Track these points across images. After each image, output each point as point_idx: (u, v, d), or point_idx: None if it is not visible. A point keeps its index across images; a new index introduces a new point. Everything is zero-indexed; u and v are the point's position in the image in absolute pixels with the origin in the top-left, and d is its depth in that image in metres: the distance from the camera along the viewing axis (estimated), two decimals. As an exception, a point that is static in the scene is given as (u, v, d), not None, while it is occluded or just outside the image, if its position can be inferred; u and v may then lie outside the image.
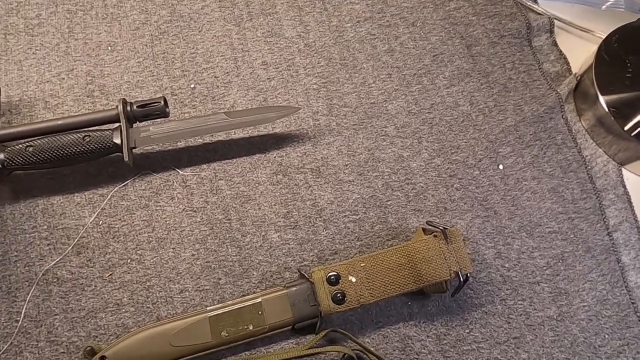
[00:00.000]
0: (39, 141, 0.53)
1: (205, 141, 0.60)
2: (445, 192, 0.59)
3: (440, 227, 0.51)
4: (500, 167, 0.60)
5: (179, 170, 0.58)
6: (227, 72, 0.64)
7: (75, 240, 0.54)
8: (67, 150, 0.53)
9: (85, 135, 0.54)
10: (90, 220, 0.55)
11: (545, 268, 0.56)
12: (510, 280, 0.55)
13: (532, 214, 0.58)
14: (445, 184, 0.59)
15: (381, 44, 0.67)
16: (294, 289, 0.51)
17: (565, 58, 0.67)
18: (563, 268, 0.56)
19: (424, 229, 0.54)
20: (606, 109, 0.60)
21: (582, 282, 0.55)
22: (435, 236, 0.51)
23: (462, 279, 0.50)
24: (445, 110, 0.63)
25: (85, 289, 0.53)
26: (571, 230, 0.57)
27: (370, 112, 0.63)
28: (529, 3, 0.70)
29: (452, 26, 0.68)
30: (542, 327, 0.53)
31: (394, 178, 0.59)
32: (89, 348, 0.49)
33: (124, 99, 0.55)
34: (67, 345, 0.50)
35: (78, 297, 0.52)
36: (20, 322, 0.51)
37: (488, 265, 0.55)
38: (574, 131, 0.63)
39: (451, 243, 0.51)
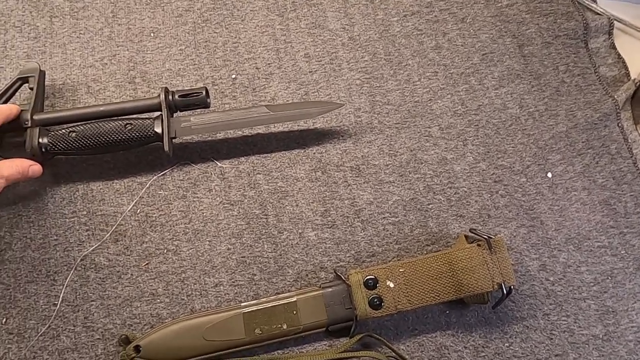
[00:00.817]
0: (81, 127, 0.54)
1: (245, 133, 0.59)
2: (490, 199, 0.56)
3: (485, 236, 0.49)
4: (549, 175, 0.57)
5: (217, 162, 0.58)
6: (269, 64, 0.63)
7: (114, 227, 0.55)
8: (109, 138, 0.53)
9: (127, 124, 0.54)
10: (129, 208, 0.55)
11: (592, 284, 0.53)
12: (555, 294, 0.53)
13: (581, 227, 0.55)
14: (489, 190, 0.57)
15: (428, 40, 0.64)
16: (330, 290, 0.50)
17: (623, 62, 0.64)
18: (612, 285, 0.53)
19: (466, 237, 0.52)
20: (667, 119, 0.56)
21: (631, 302, 0.53)
22: (478, 245, 0.49)
23: (504, 292, 0.48)
24: (493, 113, 0.61)
25: (122, 276, 0.53)
26: (622, 246, 0.55)
27: (414, 111, 0.61)
28: (587, 2, 0.66)
29: (503, 24, 0.65)
30: (587, 346, 0.51)
31: (436, 181, 0.57)
32: (123, 336, 0.49)
33: (166, 87, 0.54)
34: (102, 332, 0.51)
35: (114, 285, 0.52)
36: (58, 306, 0.51)
37: (531, 278, 0.53)
38: (629, 140, 0.59)
39: (495, 253, 0.49)
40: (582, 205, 0.56)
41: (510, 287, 0.48)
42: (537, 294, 0.53)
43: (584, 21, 0.65)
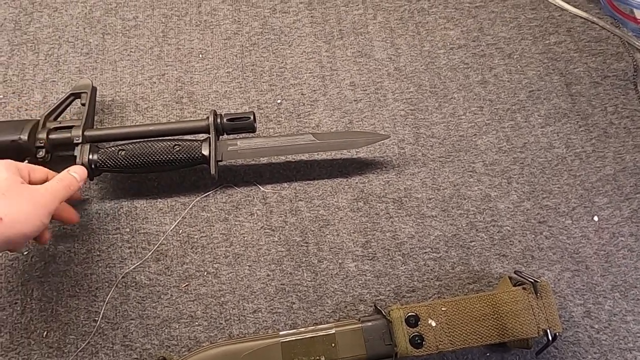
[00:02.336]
0: (130, 146, 0.54)
1: (288, 159, 0.59)
2: (533, 239, 0.56)
3: (530, 279, 0.48)
4: (595, 218, 0.56)
5: (260, 187, 0.58)
6: (314, 90, 0.63)
7: (155, 246, 0.55)
8: (157, 158, 0.54)
9: (176, 145, 0.54)
10: (171, 228, 0.56)
11: (639, 335, 0.52)
12: (600, 343, 0.51)
13: (628, 274, 0.54)
14: (533, 231, 0.56)
15: (474, 74, 0.64)
16: (370, 324, 0.50)
17: (674, 106, 0.63)
18: (659, 337, 0.52)
19: (510, 278, 0.51)
20: None
21: (679, 356, 0.51)
22: (524, 289, 0.48)
23: (550, 338, 0.47)
24: (539, 151, 0.60)
25: (162, 297, 0.53)
26: (670, 297, 0.53)
27: (459, 145, 0.60)
28: (637, 43, 0.65)
29: (551, 61, 0.65)
30: (632, 399, 0.50)
31: (479, 218, 0.57)
32: (161, 358, 0.49)
33: (214, 110, 0.55)
34: (140, 352, 0.51)
35: (154, 304, 0.53)
36: (98, 323, 0.52)
37: (575, 324, 0.52)
38: (679, 187, 0.58)
39: (541, 298, 0.48)
40: (629, 252, 0.55)
41: (555, 334, 0.47)
42: (581, 341, 0.51)
43: (634, 62, 0.64)
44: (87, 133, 0.55)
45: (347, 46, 0.66)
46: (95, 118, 0.61)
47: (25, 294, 0.53)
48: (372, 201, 0.57)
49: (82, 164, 0.53)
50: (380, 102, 0.63)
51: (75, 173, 0.49)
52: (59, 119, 0.58)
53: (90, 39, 0.66)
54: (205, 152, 0.54)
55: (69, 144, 0.55)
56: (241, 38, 0.66)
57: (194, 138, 0.57)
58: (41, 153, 0.54)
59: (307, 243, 0.55)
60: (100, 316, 0.52)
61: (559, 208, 0.57)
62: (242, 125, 0.55)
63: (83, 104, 0.58)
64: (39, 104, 0.62)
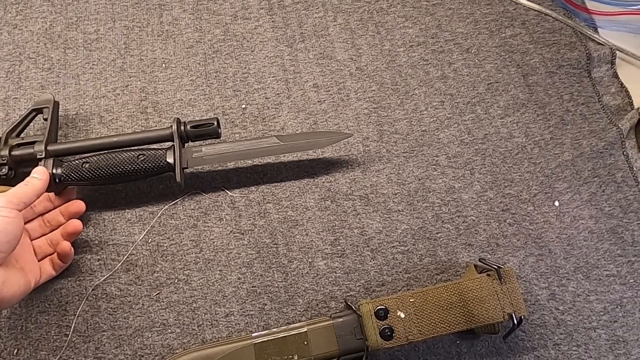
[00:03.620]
0: (94, 158, 0.54)
1: (255, 163, 0.60)
2: (498, 227, 0.57)
3: (494, 266, 0.50)
4: (556, 203, 0.58)
5: (228, 191, 0.58)
6: (278, 94, 0.64)
7: (125, 257, 0.55)
8: (122, 168, 0.54)
9: (140, 154, 0.54)
10: (140, 238, 0.56)
11: (602, 313, 0.53)
12: (565, 324, 0.53)
13: (589, 255, 0.56)
14: (497, 219, 0.57)
15: (434, 70, 0.66)
16: (341, 320, 0.50)
17: (627, 91, 0.65)
18: (621, 314, 0.53)
19: (475, 266, 0.52)
20: (671, 148, 0.57)
21: (641, 331, 0.53)
22: (488, 275, 0.50)
23: (515, 322, 0.48)
24: (499, 142, 0.61)
25: (133, 306, 0.53)
26: (631, 275, 0.55)
27: (422, 140, 0.62)
28: (589, 32, 0.68)
29: (508, 54, 0.67)
30: (598, 376, 0.51)
31: (444, 210, 0.58)
32: (135, 368, 0.49)
33: (177, 118, 0.56)
34: (113, 363, 0.51)
35: (126, 315, 0.53)
36: (69, 337, 0.51)
37: (541, 307, 0.53)
38: (635, 169, 0.60)
39: (505, 283, 0.49)
40: (589, 234, 0.57)
41: (520, 318, 0.48)
42: (547, 323, 0.53)
43: (587, 51, 0.66)
44: (50, 148, 0.55)
45: (309, 49, 0.67)
46: (60, 132, 0.61)
47: (-6, 313, 0.52)
48: (339, 199, 0.58)
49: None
50: (343, 101, 0.64)
51: (36, 174, 0.50)
52: (21, 135, 0.58)
53: (51, 54, 0.66)
54: (170, 160, 0.54)
55: (32, 160, 0.54)
56: (203, 46, 0.67)
57: (160, 147, 0.57)
58: (4, 170, 0.54)
59: (276, 244, 0.56)
60: (72, 330, 0.52)
61: (520, 195, 0.59)
62: (206, 131, 0.56)
63: (45, 119, 0.57)
64: (1, 122, 0.62)
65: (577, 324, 0.53)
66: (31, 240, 0.52)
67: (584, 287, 0.54)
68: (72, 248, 0.51)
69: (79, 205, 0.54)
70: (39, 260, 0.51)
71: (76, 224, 0.52)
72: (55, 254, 0.51)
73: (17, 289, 0.44)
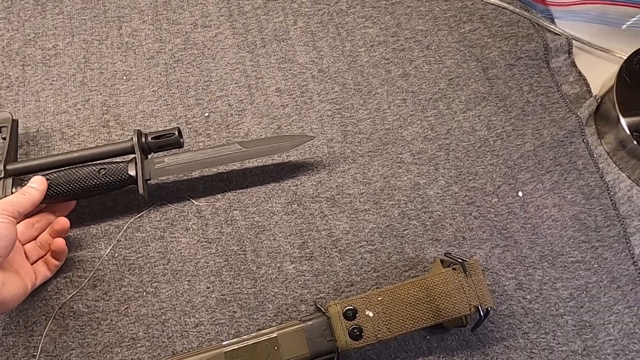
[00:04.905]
0: (55, 175, 0.54)
1: (220, 170, 0.60)
2: (464, 221, 0.57)
3: (459, 259, 0.50)
4: (520, 194, 0.59)
5: (193, 201, 0.58)
6: (241, 100, 0.64)
7: (91, 273, 0.54)
8: (83, 184, 0.53)
9: (101, 168, 0.54)
10: (106, 253, 0.55)
11: (568, 300, 0.54)
12: (533, 312, 0.53)
13: (554, 243, 0.56)
14: (463, 212, 0.58)
15: (395, 68, 0.66)
16: (310, 323, 0.50)
17: (584, 79, 0.66)
18: (587, 300, 0.54)
19: (442, 261, 0.53)
20: (628, 132, 0.58)
21: (607, 315, 0.53)
22: (453, 269, 0.50)
23: (482, 314, 0.48)
24: (462, 136, 0.62)
25: (102, 322, 0.52)
26: (595, 260, 0.56)
27: (386, 138, 0.62)
28: (546, 23, 0.69)
29: (467, 49, 0.67)
30: (567, 362, 0.52)
31: (410, 206, 0.58)
32: (105, 384, 0.49)
33: (138, 130, 0.55)
34: (83, 381, 0.50)
35: (94, 332, 0.52)
36: (37, 358, 0.51)
37: (509, 297, 0.54)
38: (595, 155, 0.61)
39: (470, 276, 0.49)
40: (553, 222, 0.57)
41: (487, 309, 0.48)
42: (516, 313, 0.53)
43: (544, 42, 0.67)
44: (9, 167, 0.54)
45: (270, 54, 0.67)
46: (21, 151, 0.60)
47: (-41, 338, 0.52)
48: (305, 202, 0.58)
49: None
50: (306, 104, 0.64)
51: (34, 184, 0.51)
52: (-21, 156, 0.57)
53: (9, 72, 0.65)
54: (132, 172, 0.54)
55: (-9, 180, 0.54)
56: (164, 56, 0.67)
57: (123, 159, 0.57)
58: (-38, 192, 0.53)
59: (244, 251, 0.56)
60: (39, 351, 0.51)
61: (485, 188, 0.59)
62: (168, 142, 0.55)
63: (4, 138, 0.57)
64: (-40, 143, 0.61)
65: (544, 312, 0.53)
66: (22, 244, 0.52)
67: (550, 275, 0.55)
68: (65, 245, 0.52)
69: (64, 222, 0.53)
70: (31, 264, 0.52)
71: (63, 221, 0.52)
72: (49, 254, 0.52)
73: (17, 291, 0.45)
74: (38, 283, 0.51)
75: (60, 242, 0.52)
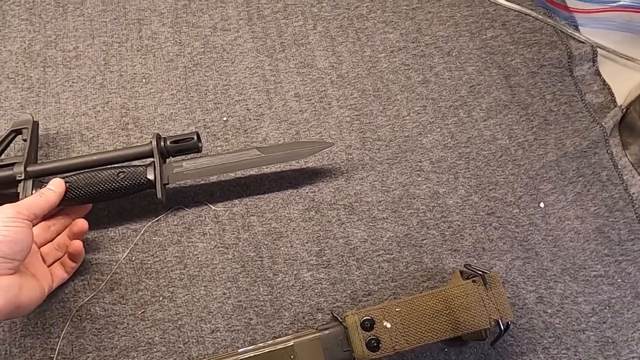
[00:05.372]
0: (74, 177, 0.54)
1: (237, 175, 0.60)
2: (483, 231, 0.57)
3: (479, 271, 0.49)
4: (542, 205, 0.58)
5: (211, 206, 0.58)
6: (260, 105, 0.64)
7: (109, 276, 0.55)
8: (102, 187, 0.53)
9: (120, 172, 0.54)
10: (124, 256, 0.55)
11: (590, 315, 0.53)
12: (553, 327, 0.52)
13: (576, 256, 0.55)
14: (483, 223, 0.57)
15: (415, 75, 0.65)
16: (327, 332, 0.50)
17: (609, 88, 0.65)
18: (610, 315, 0.53)
19: (461, 272, 0.52)
20: (655, 144, 0.57)
21: (631, 331, 0.52)
22: (474, 281, 0.49)
23: (502, 328, 0.47)
24: (483, 144, 0.61)
25: (118, 326, 0.52)
26: (618, 274, 0.54)
27: (405, 145, 0.61)
28: (570, 31, 0.67)
29: (489, 55, 0.66)
30: (588, 379, 0.51)
31: (429, 216, 0.57)
32: (120, 389, 0.49)
33: (157, 134, 0.55)
34: (99, 385, 0.50)
35: (110, 335, 0.52)
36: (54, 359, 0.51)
37: (529, 311, 0.53)
38: (619, 167, 0.60)
39: (491, 289, 0.49)
40: (576, 235, 0.56)
41: (507, 323, 0.48)
42: (536, 327, 0.52)
43: (568, 50, 0.66)
44: (29, 169, 0.55)
45: (289, 58, 0.67)
46: (41, 152, 0.61)
47: (-22, 338, 0.52)
48: (323, 209, 0.58)
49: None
50: (325, 110, 0.63)
51: (52, 186, 0.51)
52: (1, 157, 0.57)
53: (31, 74, 0.66)
54: (151, 176, 0.54)
55: (12, 182, 0.54)
56: (183, 59, 0.67)
57: (141, 163, 0.57)
58: (-16, 193, 0.53)
59: (261, 257, 0.56)
60: (56, 353, 0.51)
61: (505, 198, 0.58)
62: (186, 146, 0.55)
63: (25, 140, 0.57)
64: (-19, 144, 0.61)
65: (565, 327, 0.52)
66: (38, 247, 0.52)
67: (571, 289, 0.54)
68: (83, 247, 0.52)
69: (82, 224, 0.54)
70: (48, 266, 0.52)
71: (81, 222, 0.53)
72: (66, 256, 0.53)
73: (34, 295, 0.45)
74: (55, 285, 0.52)
75: (77, 244, 0.52)
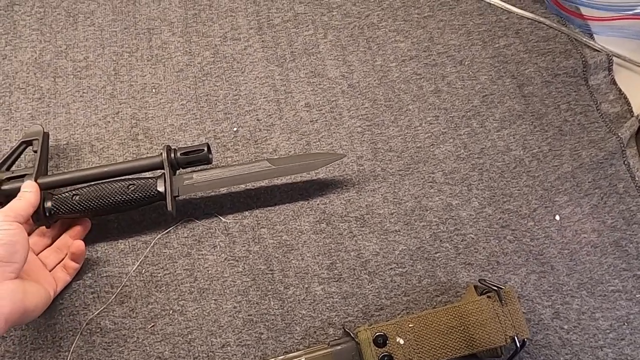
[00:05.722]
0: (84, 190, 0.54)
1: (248, 187, 0.59)
2: (498, 245, 0.56)
3: (495, 287, 0.48)
4: (557, 217, 0.57)
5: (221, 218, 0.57)
6: (270, 115, 0.63)
7: (119, 289, 0.54)
8: (112, 199, 0.53)
9: (130, 184, 0.54)
10: (134, 269, 0.55)
11: (608, 331, 0.52)
12: (570, 343, 0.51)
13: (593, 270, 0.54)
14: (497, 236, 0.56)
15: (427, 84, 0.65)
16: (339, 347, 0.49)
17: (625, 98, 0.63)
18: (628, 332, 0.52)
19: (475, 287, 0.51)
20: (673, 156, 0.55)
21: (650, 349, 0.51)
22: (489, 297, 0.48)
23: (518, 345, 0.46)
24: (496, 155, 0.60)
25: (128, 340, 0.52)
26: (637, 290, 0.53)
27: (417, 156, 0.60)
28: (585, 39, 0.66)
29: (502, 64, 0.65)
30: (607, 398, 0.49)
31: (442, 228, 0.57)
32: (130, 404, 0.48)
33: (168, 145, 0.55)
34: (109, 400, 0.50)
35: (120, 349, 0.52)
36: (64, 374, 0.51)
37: (545, 327, 0.52)
38: (637, 178, 0.59)
39: (506, 305, 0.48)
40: (592, 248, 0.55)
41: (523, 340, 0.47)
42: (552, 343, 0.51)
43: (583, 58, 0.65)
44: (39, 181, 0.54)
45: (299, 67, 0.66)
46: (51, 163, 0.61)
47: (-12, 351, 0.52)
48: (334, 221, 0.57)
49: (37, 212, 0.52)
50: (336, 120, 0.63)
51: (26, 188, 0.51)
52: (11, 169, 0.57)
53: (41, 84, 0.66)
54: (161, 188, 0.54)
55: (22, 194, 0.54)
56: (193, 69, 0.66)
57: (152, 175, 0.56)
58: (-6, 205, 0.53)
59: (272, 270, 0.55)
60: (66, 366, 0.51)
61: (520, 210, 0.57)
62: (197, 158, 0.55)
63: (35, 151, 0.57)
64: (-8, 154, 0.62)
65: (582, 343, 0.51)
66: (36, 254, 0.52)
67: (588, 304, 0.53)
68: (85, 247, 0.53)
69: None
70: (50, 271, 0.52)
71: (78, 244, 0.53)
72: (67, 258, 0.53)
73: (39, 299, 0.46)
74: (59, 289, 0.52)
75: (79, 244, 0.52)
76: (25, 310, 0.43)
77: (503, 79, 0.65)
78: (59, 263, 0.53)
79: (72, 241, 0.54)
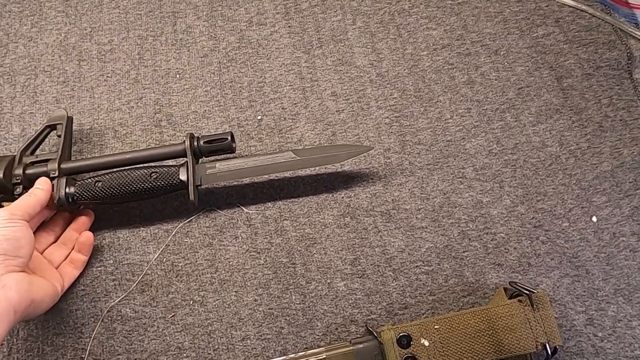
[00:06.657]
0: (107, 176, 0.53)
1: (271, 177, 0.58)
2: (530, 245, 0.53)
3: (526, 290, 0.46)
4: (594, 219, 0.54)
5: (243, 208, 0.56)
6: (295, 104, 0.61)
7: (140, 277, 0.54)
8: (134, 187, 0.52)
9: (153, 172, 0.53)
10: (155, 257, 0.55)
11: (645, 341, 0.49)
12: (604, 352, 0.49)
13: (631, 276, 0.51)
14: (529, 236, 0.54)
15: (460, 75, 0.62)
16: (361, 346, 0.48)
17: (672, 93, 0.60)
18: (667, 342, 0.49)
19: (505, 290, 0.49)
20: None
21: (690, 361, 0.48)
22: (519, 301, 0.46)
23: (549, 352, 0.44)
24: (531, 151, 0.57)
25: (148, 329, 0.52)
26: (678, 298, 0.50)
27: (447, 150, 0.58)
28: (630, 29, 0.62)
29: (540, 55, 0.62)
30: (641, 410, 0.47)
31: (471, 226, 0.54)
32: (150, 393, 0.48)
33: (191, 133, 0.54)
34: (128, 388, 0.50)
35: (141, 338, 0.51)
36: (85, 360, 0.51)
37: (578, 333, 0.50)
38: (682, 180, 0.55)
39: (538, 310, 0.46)
40: (631, 253, 0.52)
41: (555, 347, 0.45)
42: (585, 351, 0.49)
43: (627, 50, 0.61)
44: (63, 166, 0.54)
45: (326, 55, 0.64)
46: (74, 148, 0.60)
47: (11, 335, 0.52)
48: (359, 216, 0.55)
49: (59, 198, 0.52)
50: (363, 110, 0.61)
51: (39, 184, 0.51)
52: (35, 153, 0.57)
53: (66, 67, 0.65)
54: (183, 177, 0.53)
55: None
56: (218, 54, 0.65)
57: (175, 162, 0.56)
58: (18, 190, 0.53)
59: (294, 264, 0.54)
60: (87, 353, 0.51)
61: (554, 210, 0.55)
62: (220, 146, 0.54)
63: (59, 136, 0.56)
64: (17, 138, 0.61)
65: (617, 352, 0.49)
66: (41, 252, 0.52)
67: (625, 312, 0.50)
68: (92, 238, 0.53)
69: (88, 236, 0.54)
70: (57, 267, 0.52)
71: (87, 235, 0.53)
72: (74, 251, 0.53)
73: (46, 293, 0.46)
74: (67, 285, 0.51)
75: (88, 234, 0.52)
76: (32, 300, 0.43)
77: (540, 70, 0.61)
78: (65, 259, 0.53)
79: (76, 235, 0.53)
